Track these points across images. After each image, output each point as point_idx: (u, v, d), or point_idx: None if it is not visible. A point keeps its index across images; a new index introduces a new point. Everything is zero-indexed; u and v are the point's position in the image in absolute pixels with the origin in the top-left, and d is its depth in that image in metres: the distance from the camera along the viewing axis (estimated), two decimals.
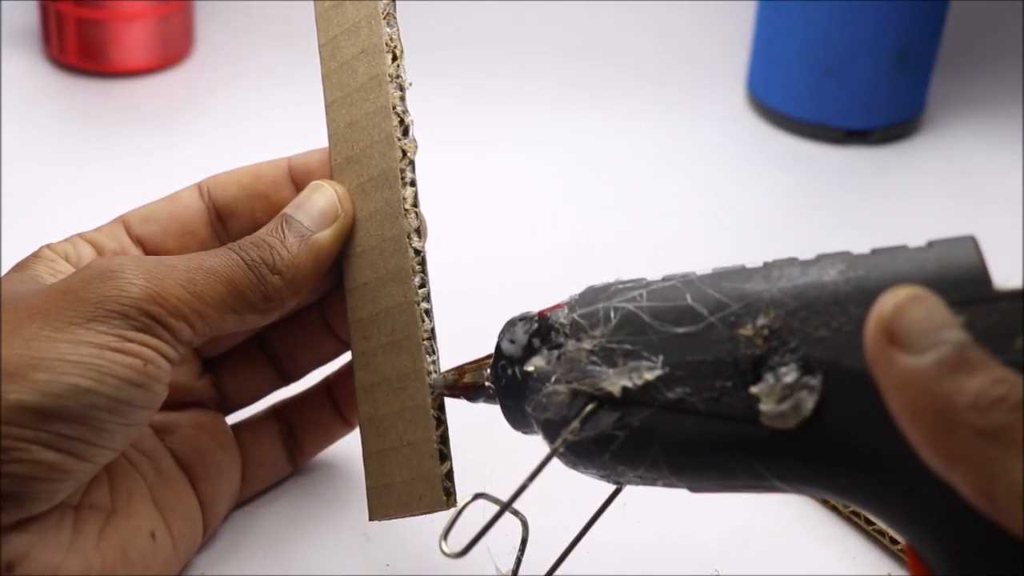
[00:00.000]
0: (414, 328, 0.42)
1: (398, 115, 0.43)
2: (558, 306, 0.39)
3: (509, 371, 0.39)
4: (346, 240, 0.44)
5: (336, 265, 0.45)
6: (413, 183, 0.43)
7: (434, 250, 0.48)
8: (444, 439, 0.42)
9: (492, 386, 0.41)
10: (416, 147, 0.43)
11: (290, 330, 0.48)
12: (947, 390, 0.29)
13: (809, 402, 0.33)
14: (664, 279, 0.37)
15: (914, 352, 0.30)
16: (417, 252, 0.43)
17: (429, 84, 0.79)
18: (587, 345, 0.37)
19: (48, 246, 0.44)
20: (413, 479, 0.43)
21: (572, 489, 0.42)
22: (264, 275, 0.42)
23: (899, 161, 0.75)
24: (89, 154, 0.71)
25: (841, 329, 0.33)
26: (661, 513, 0.48)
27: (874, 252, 0.33)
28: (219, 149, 0.71)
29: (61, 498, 0.39)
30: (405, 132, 0.43)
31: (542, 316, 0.39)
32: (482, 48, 0.85)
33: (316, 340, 0.48)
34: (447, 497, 0.42)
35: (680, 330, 0.35)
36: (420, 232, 0.43)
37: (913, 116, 0.78)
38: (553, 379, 0.38)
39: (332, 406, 0.49)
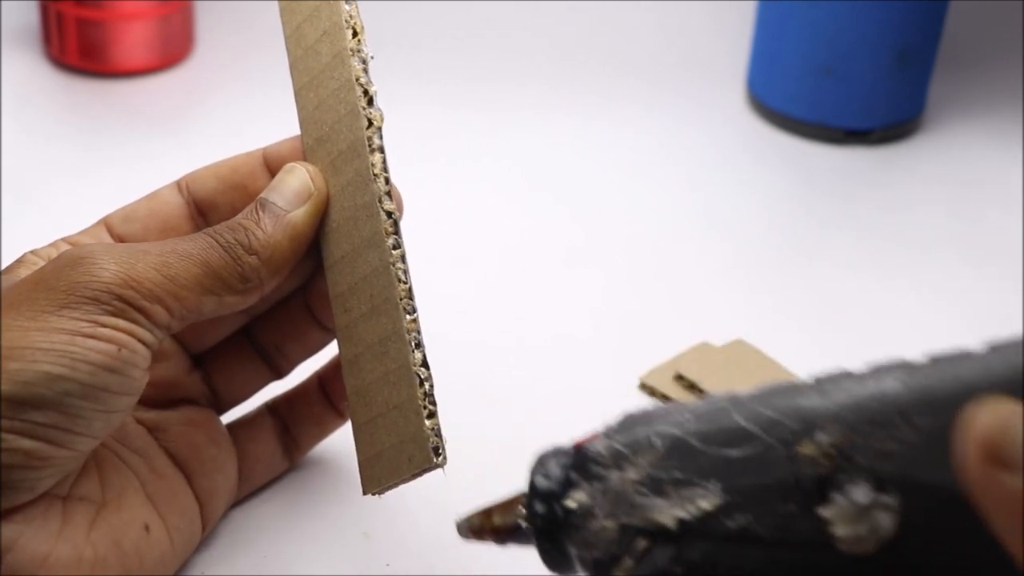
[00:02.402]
0: (391, 290, 0.42)
1: (362, 86, 0.43)
2: (594, 437, 0.36)
3: (546, 509, 0.36)
4: (322, 218, 0.45)
5: (315, 247, 0.45)
6: (381, 149, 0.43)
7: (432, 250, 0.48)
8: (430, 397, 0.42)
9: (528, 526, 0.37)
10: (382, 116, 0.43)
11: (276, 322, 0.48)
12: None
13: (888, 522, 0.30)
14: (707, 401, 0.34)
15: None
16: (389, 215, 0.43)
17: (428, 85, 0.80)
18: (632, 475, 0.34)
19: (32, 251, 0.44)
20: (401, 442, 0.42)
21: None
22: (240, 256, 0.42)
23: (899, 161, 0.75)
24: (89, 154, 0.71)
25: (910, 442, 0.30)
26: None
27: (934, 360, 0.31)
28: (219, 149, 0.70)
29: (45, 487, 0.39)
30: (370, 102, 0.43)
31: (578, 448, 0.36)
32: (479, 48, 0.85)
33: (303, 330, 0.48)
34: (436, 455, 0.41)
35: (734, 453, 0.33)
36: (392, 196, 0.43)
37: (913, 116, 0.78)
38: (599, 514, 0.35)
39: (324, 399, 0.49)
